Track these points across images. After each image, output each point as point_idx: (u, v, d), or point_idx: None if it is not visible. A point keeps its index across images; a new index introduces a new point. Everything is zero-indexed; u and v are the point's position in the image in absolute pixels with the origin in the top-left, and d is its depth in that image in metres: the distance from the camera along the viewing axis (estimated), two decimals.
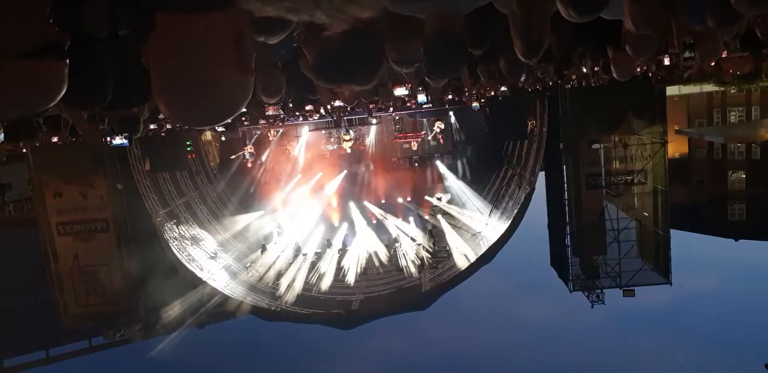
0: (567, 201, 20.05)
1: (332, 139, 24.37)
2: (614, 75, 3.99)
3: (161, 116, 7.48)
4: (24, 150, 16.65)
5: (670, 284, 18.91)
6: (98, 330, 19.32)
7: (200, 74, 1.09)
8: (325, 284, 21.65)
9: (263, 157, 24.28)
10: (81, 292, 19.45)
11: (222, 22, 1.12)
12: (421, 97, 8.01)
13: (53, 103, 1.51)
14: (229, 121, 1.31)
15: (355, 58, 1.41)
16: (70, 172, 18.83)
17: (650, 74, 13.26)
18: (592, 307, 19.03)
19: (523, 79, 7.99)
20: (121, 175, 18.95)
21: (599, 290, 19.01)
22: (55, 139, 8.32)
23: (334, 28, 0.89)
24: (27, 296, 18.60)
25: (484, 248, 20.86)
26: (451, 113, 23.27)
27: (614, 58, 3.82)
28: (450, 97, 13.49)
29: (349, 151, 23.66)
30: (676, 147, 24.97)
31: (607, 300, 18.95)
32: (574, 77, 9.67)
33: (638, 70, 10.60)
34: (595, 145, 19.36)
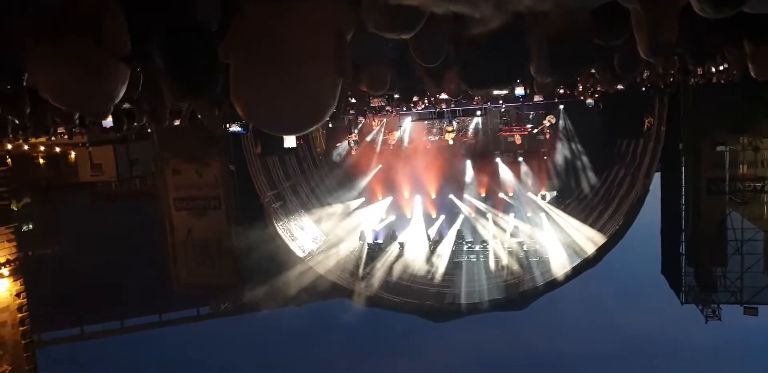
0: (684, 206, 18.62)
1: (434, 130, 24.28)
2: (752, 73, 3.58)
3: None
4: (150, 129, 18.00)
5: None
6: (205, 300, 20.72)
7: (291, 72, 0.92)
8: (420, 274, 21.77)
9: (366, 146, 24.69)
10: (192, 263, 20.90)
11: (322, 11, 0.96)
12: (519, 91, 7.68)
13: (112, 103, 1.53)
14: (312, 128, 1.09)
15: (502, 65, 1.34)
16: (188, 151, 20.18)
17: None
18: (706, 322, 17.61)
19: (645, 75, 7.47)
20: (234, 157, 20.07)
21: (715, 305, 17.54)
22: (176, 123, 8.90)
23: (489, 24, 0.73)
24: (146, 264, 20.28)
25: (589, 250, 20.00)
26: (561, 107, 22.34)
27: (753, 54, 3.42)
28: (561, 91, 12.94)
29: (451, 142, 23.46)
30: None
31: (725, 317, 17.44)
32: (699, 73, 8.91)
33: None
34: (720, 148, 17.74)
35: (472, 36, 1.26)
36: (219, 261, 20.83)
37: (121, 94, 1.45)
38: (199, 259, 20.86)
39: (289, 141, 18.60)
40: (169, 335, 21.08)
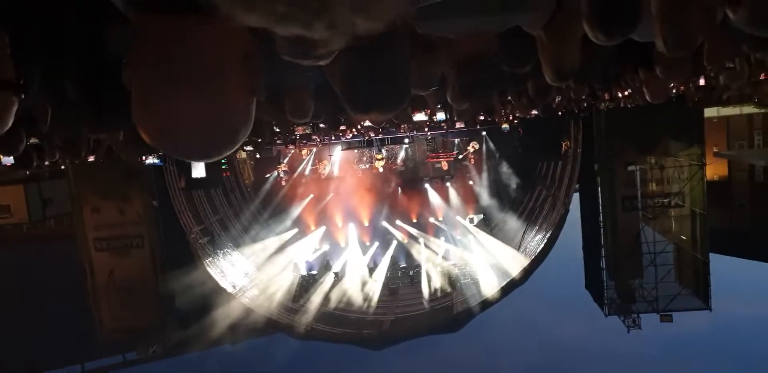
0: (602, 223, 19.62)
1: (364, 159, 24.51)
2: (647, 98, 3.92)
3: None
4: (63, 166, 17.15)
5: (710, 309, 18.24)
6: (132, 345, 19.57)
7: (199, 95, 0.87)
8: (356, 303, 21.58)
9: (296, 176, 24.55)
10: (116, 307, 19.76)
11: (229, 31, 0.92)
12: (440, 115, 7.79)
13: None
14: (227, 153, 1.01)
15: (383, 86, 1.35)
16: (107, 188, 19.25)
17: (686, 96, 12.99)
18: (628, 332, 18.46)
19: (557, 100, 7.92)
20: (157, 192, 19.35)
21: (635, 315, 18.45)
22: (91, 158, 8.50)
23: (330, 46, 0.71)
24: (64, 310, 18.99)
25: (517, 270, 20.54)
26: (484, 134, 23.19)
27: (647, 80, 3.76)
28: (482, 117, 13.46)
29: (381, 170, 23.75)
30: (716, 169, 24.29)
31: (644, 325, 18.37)
32: (608, 98, 9.54)
33: (674, 91, 10.38)
34: (631, 167, 18.98)
35: (348, 57, 1.28)
36: (145, 302, 19.80)
37: (7, 125, 1.39)
38: (124, 301, 19.74)
39: (198, 171, 17.99)
40: None
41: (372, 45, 1.37)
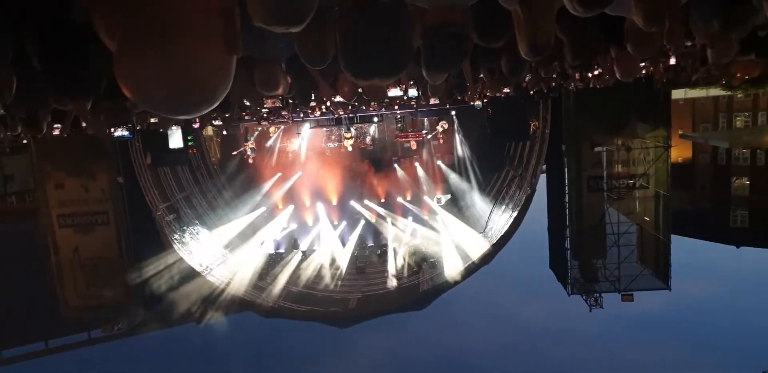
0: (567, 204, 19.95)
1: (333, 137, 24.34)
2: (617, 75, 3.96)
3: None
4: (25, 141, 16.61)
5: (670, 289, 18.80)
6: (97, 323, 19.33)
7: (174, 51, 0.88)
8: (323, 281, 21.66)
9: (264, 154, 24.26)
10: (81, 284, 19.45)
11: None
12: (412, 92, 7.67)
13: None
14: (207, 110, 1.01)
15: (385, 50, 1.36)
16: (72, 164, 18.81)
17: (656, 77, 13.18)
18: (590, 311, 18.95)
19: (527, 78, 7.95)
20: (123, 169, 18.94)
21: (598, 294, 18.91)
22: (56, 132, 8.23)
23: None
24: (27, 287, 18.61)
25: (483, 249, 20.84)
26: (453, 113, 23.20)
27: (617, 57, 3.79)
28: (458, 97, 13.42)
29: (350, 149, 23.62)
30: (680, 152, 24.89)
31: (606, 304, 18.86)
32: (577, 78, 9.62)
33: (643, 72, 10.53)
34: (598, 148, 19.26)
35: (351, 22, 1.27)
36: (110, 280, 19.52)
37: None
38: (89, 279, 19.44)
39: (176, 140, 17.50)
40: (57, 363, 19.46)
41: (374, 10, 1.35)
